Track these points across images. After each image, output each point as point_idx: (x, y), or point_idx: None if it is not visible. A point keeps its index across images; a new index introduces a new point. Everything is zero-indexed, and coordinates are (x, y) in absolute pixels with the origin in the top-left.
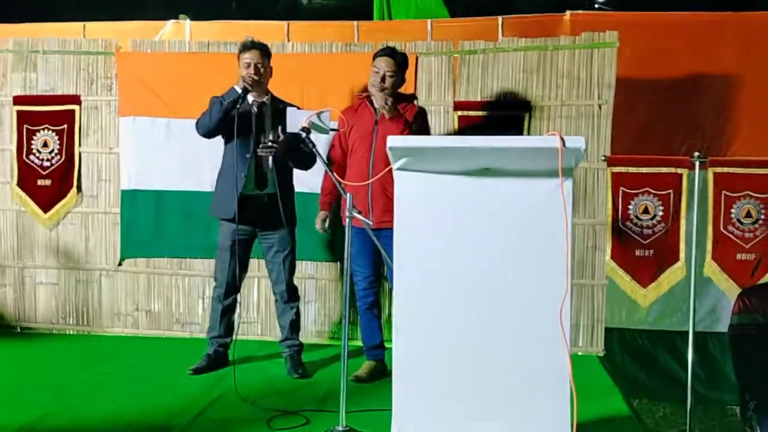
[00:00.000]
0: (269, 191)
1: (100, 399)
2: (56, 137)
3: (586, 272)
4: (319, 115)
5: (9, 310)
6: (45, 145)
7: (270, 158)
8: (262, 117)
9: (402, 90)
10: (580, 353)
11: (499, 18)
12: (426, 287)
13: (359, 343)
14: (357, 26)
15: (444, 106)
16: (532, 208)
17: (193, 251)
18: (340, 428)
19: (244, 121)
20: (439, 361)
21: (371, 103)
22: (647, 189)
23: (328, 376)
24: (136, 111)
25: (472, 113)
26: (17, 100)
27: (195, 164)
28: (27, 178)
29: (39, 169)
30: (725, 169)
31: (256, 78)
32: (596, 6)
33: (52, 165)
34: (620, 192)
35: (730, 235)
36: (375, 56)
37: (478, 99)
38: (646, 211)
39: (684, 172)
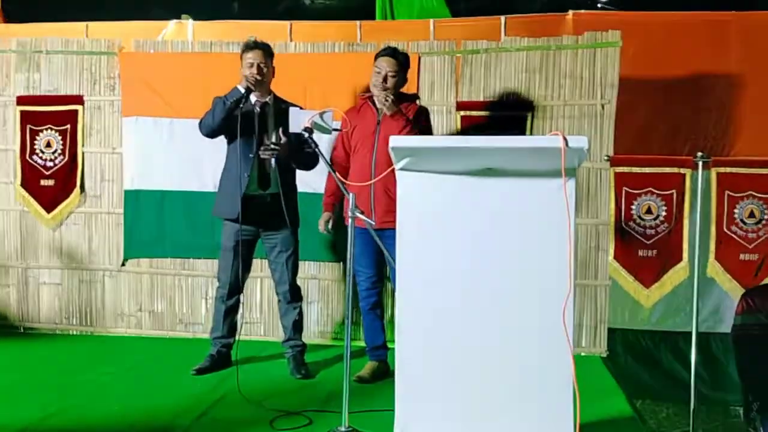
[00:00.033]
0: (272, 191)
1: (104, 399)
2: (59, 137)
3: (589, 272)
4: (321, 115)
5: (12, 310)
6: (48, 145)
7: (273, 159)
8: (265, 117)
9: (404, 90)
10: (583, 354)
11: (502, 18)
12: (429, 287)
13: (362, 344)
14: (360, 26)
15: (446, 106)
16: (534, 208)
17: (196, 251)
18: (343, 429)
19: (247, 121)
20: (441, 361)
21: (373, 104)
22: (650, 189)
23: (331, 377)
24: (139, 111)
25: (474, 113)
26: (20, 101)
27: (198, 164)
28: (30, 179)
29: (42, 170)
30: (728, 169)
31: (259, 78)
32: (599, 5)
33: (55, 165)
34: (623, 192)
35: (733, 236)
36: (377, 56)
37: (481, 99)
38: (649, 211)
39: (687, 172)
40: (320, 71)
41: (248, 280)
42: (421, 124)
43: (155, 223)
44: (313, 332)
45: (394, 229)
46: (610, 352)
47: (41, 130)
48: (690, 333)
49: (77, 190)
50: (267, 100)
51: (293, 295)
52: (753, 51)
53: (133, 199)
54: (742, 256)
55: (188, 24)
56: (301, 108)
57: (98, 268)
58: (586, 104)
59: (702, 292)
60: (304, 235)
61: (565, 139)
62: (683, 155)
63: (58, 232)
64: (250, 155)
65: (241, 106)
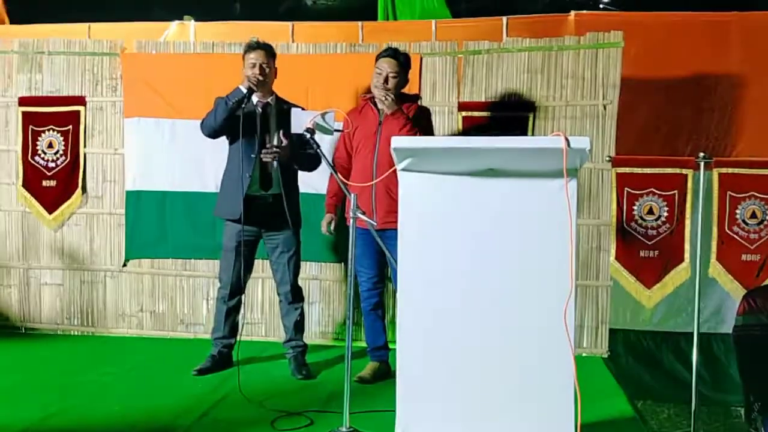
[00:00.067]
0: (274, 192)
1: (105, 399)
2: (61, 138)
3: (590, 273)
4: (323, 115)
5: (14, 310)
6: (50, 146)
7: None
8: (266, 117)
9: (406, 90)
10: (584, 354)
11: (504, 18)
12: (430, 288)
13: (363, 344)
14: (361, 27)
15: (448, 107)
16: (536, 209)
17: (197, 252)
18: (344, 429)
19: (248, 122)
20: (443, 362)
21: (375, 104)
22: (652, 189)
23: (332, 377)
24: (141, 112)
25: (476, 114)
26: (22, 101)
27: (199, 165)
28: (32, 179)
29: (44, 170)
30: (730, 170)
31: (261, 78)
32: (601, 6)
33: (57, 166)
34: (625, 192)
35: (735, 236)
36: (378, 57)
37: (483, 99)
38: (650, 211)
39: (689, 172)
40: (322, 72)
41: (249, 281)
42: (421, 123)
43: (157, 224)
44: (315, 333)
45: (395, 229)
46: (611, 352)
47: (43, 131)
48: (691, 333)
49: (79, 190)
50: (269, 100)
51: (295, 296)
52: (754, 51)
53: (135, 199)
54: (743, 257)
55: (190, 25)
56: (302, 109)
57: (100, 269)
58: (588, 105)
59: (703, 292)
60: (306, 235)
61: (566, 139)
62: (685, 156)
63: (60, 232)
64: (252, 156)
65: (243, 106)
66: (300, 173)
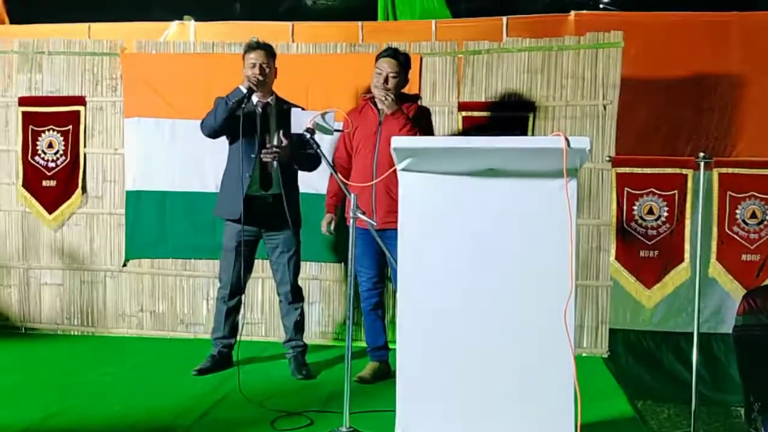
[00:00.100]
0: (274, 192)
1: (105, 399)
2: (61, 138)
3: (590, 273)
4: (323, 115)
5: (14, 310)
6: (50, 146)
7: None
8: (266, 117)
9: (406, 90)
10: (584, 354)
11: (504, 18)
12: (430, 288)
13: (363, 344)
14: (361, 27)
15: (448, 107)
16: (536, 209)
17: (197, 252)
18: (344, 429)
19: (248, 122)
20: (443, 362)
21: (375, 104)
22: (652, 190)
23: (332, 377)
24: (141, 112)
25: (476, 114)
26: (22, 101)
27: (199, 165)
28: (32, 179)
29: (44, 170)
30: (730, 170)
31: (261, 78)
32: (601, 6)
33: (57, 166)
34: (625, 192)
35: (735, 236)
36: (377, 57)
37: (483, 99)
38: (650, 211)
39: (689, 172)
40: (322, 72)
41: (249, 281)
42: (421, 123)
43: (157, 224)
44: (315, 333)
45: (395, 229)
46: (611, 352)
47: (43, 131)
48: (691, 334)
49: (79, 190)
50: (269, 100)
51: (294, 296)
52: (754, 51)
53: (135, 199)
54: (743, 257)
55: (190, 25)
56: (302, 109)
57: (100, 269)
58: (588, 105)
59: (703, 292)
60: (306, 235)
61: (566, 139)
62: (685, 156)
63: (60, 232)
64: (252, 155)
65: (243, 106)
66: (300, 173)
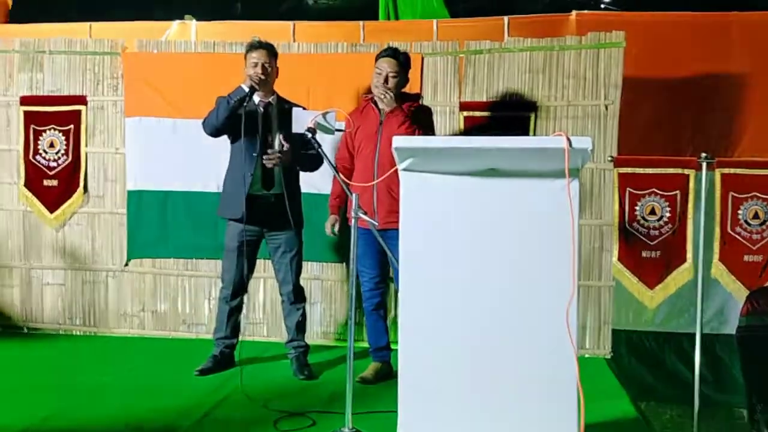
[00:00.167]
0: (276, 192)
1: (106, 399)
2: (63, 137)
3: (592, 273)
4: (324, 115)
5: (16, 310)
6: (51, 145)
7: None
8: (268, 117)
9: (407, 90)
10: (587, 355)
11: (505, 18)
12: (432, 288)
13: (365, 345)
14: (363, 26)
15: (450, 107)
16: (538, 209)
17: (199, 252)
18: (346, 430)
19: (250, 121)
20: (445, 362)
21: (376, 104)
22: (654, 190)
23: (334, 378)
24: (142, 111)
25: (477, 113)
26: (24, 101)
27: (201, 164)
28: (33, 179)
29: (45, 170)
30: (732, 170)
31: (263, 77)
32: (602, 6)
33: (58, 165)
34: (627, 193)
35: (737, 237)
36: (377, 57)
37: (484, 99)
38: (653, 212)
39: (691, 172)
40: (323, 72)
41: (251, 281)
42: (420, 119)
43: (158, 224)
44: (317, 333)
45: (397, 229)
46: (614, 353)
47: (44, 131)
48: (694, 334)
49: (80, 190)
50: (270, 100)
51: (296, 296)
52: (756, 51)
53: (136, 199)
54: (746, 257)
55: (191, 24)
56: (304, 108)
57: (101, 269)
58: (590, 105)
59: (706, 293)
60: (308, 235)
61: (568, 139)
62: (687, 156)
63: (62, 232)
64: (254, 155)
65: (245, 105)
66: (303, 173)
